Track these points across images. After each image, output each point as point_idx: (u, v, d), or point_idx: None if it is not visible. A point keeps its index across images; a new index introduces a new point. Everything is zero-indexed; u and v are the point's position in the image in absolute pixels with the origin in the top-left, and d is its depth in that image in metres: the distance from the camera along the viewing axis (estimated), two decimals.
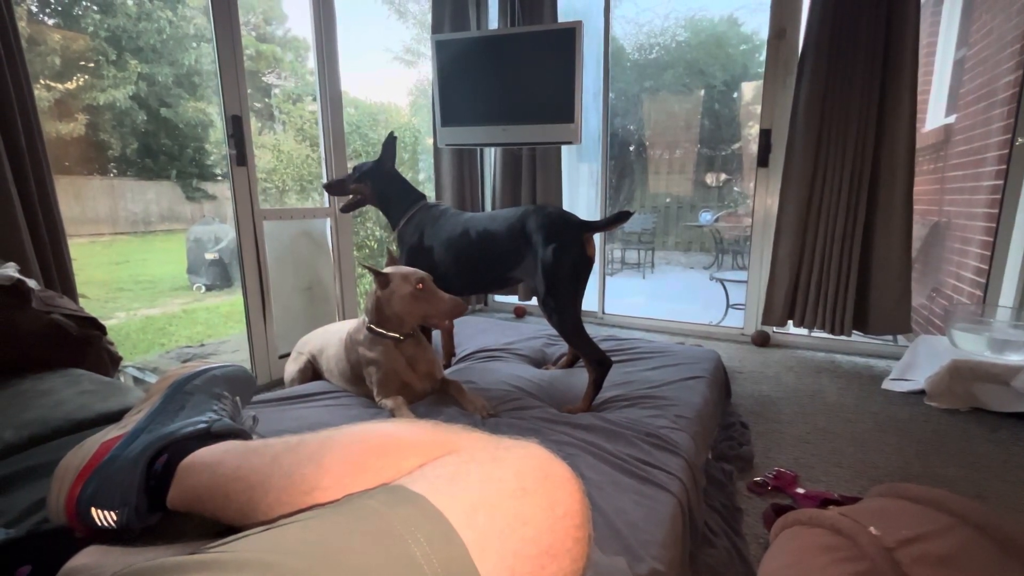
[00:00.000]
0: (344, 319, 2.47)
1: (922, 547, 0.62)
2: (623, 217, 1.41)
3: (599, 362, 1.38)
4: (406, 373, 1.34)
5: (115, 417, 0.80)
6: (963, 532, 0.62)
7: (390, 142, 1.71)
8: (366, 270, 1.37)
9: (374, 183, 1.70)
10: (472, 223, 1.55)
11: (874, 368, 2.26)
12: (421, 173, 4.59)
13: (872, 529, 0.65)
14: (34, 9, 3.81)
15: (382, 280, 1.29)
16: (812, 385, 2.04)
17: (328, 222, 2.39)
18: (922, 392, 1.86)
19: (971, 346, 1.88)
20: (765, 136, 2.48)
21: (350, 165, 2.28)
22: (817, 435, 1.59)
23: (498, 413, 1.28)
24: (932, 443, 1.55)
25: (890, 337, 2.48)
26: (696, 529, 1.00)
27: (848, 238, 2.25)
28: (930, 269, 2.91)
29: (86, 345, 1.18)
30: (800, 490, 1.25)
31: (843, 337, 2.35)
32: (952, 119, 2.76)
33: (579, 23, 2.31)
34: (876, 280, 2.25)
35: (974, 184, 2.38)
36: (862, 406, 1.83)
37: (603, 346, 1.86)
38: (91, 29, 3.98)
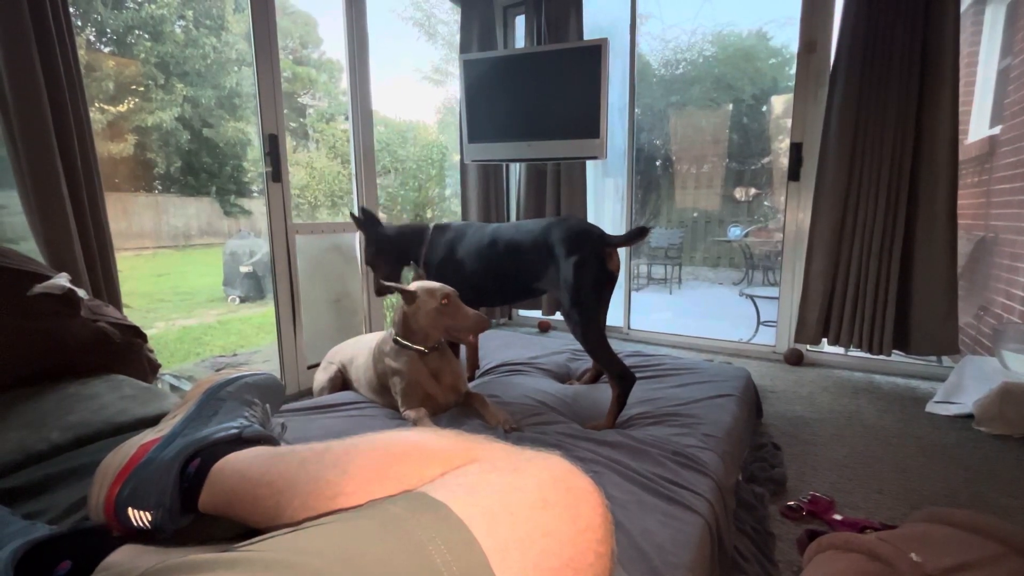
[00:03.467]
0: (371, 331, 2.51)
1: None
2: (643, 233, 1.42)
3: (621, 376, 1.36)
4: (430, 385, 1.35)
5: (153, 421, 0.84)
6: (1012, 562, 0.58)
7: (366, 216, 1.72)
8: (414, 279, 1.40)
9: (386, 245, 1.70)
10: (499, 233, 1.58)
11: (916, 390, 2.15)
12: (448, 189, 4.67)
13: (913, 555, 0.61)
14: (92, 38, 4.09)
15: (408, 296, 1.32)
16: (849, 406, 1.95)
17: (357, 236, 2.45)
18: (970, 416, 1.76)
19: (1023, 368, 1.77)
20: (796, 150, 2.43)
21: (380, 183, 2.33)
22: (855, 459, 1.52)
23: (521, 427, 1.27)
24: (982, 470, 1.46)
25: (933, 358, 2.36)
26: (725, 553, 0.96)
27: (886, 253, 2.17)
28: (976, 286, 2.77)
29: (128, 352, 1.23)
30: (837, 516, 1.19)
31: (882, 357, 2.25)
32: (997, 130, 2.65)
33: (605, 41, 2.33)
34: (918, 297, 2.15)
35: (1023, 198, 2.27)
36: (904, 429, 1.74)
37: (629, 362, 1.83)
38: (142, 55, 4.25)
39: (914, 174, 2.11)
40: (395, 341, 1.36)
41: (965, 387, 1.89)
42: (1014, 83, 2.49)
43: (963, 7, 2.10)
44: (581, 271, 1.37)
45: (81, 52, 1.50)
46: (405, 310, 1.33)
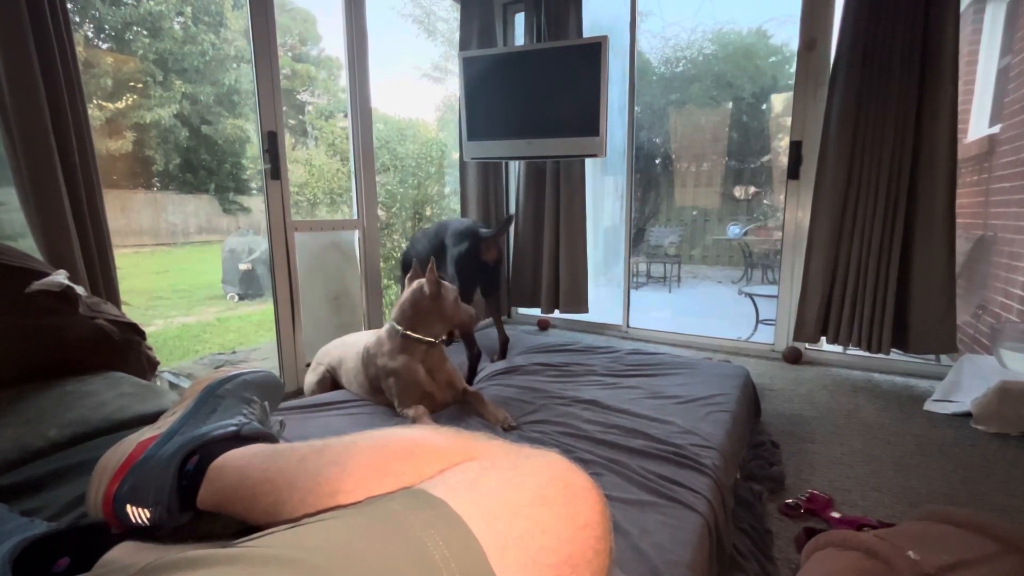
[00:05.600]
0: (370, 328, 2.51)
1: (964, 574, 0.58)
2: (509, 221, 2.08)
3: (474, 353, 1.73)
4: (427, 383, 1.35)
5: (152, 419, 0.84)
6: (1010, 560, 0.58)
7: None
8: (409, 278, 1.48)
9: (463, 261, 1.98)
10: (430, 231, 2.20)
11: (915, 388, 2.15)
12: (447, 187, 4.67)
13: (911, 553, 0.61)
14: (90, 35, 4.07)
15: (436, 288, 1.37)
16: (848, 404, 1.96)
17: (356, 234, 2.45)
18: (968, 415, 1.76)
19: (1022, 367, 1.77)
20: (796, 148, 2.43)
21: (379, 180, 2.36)
22: (854, 457, 1.53)
23: (519, 426, 1.28)
24: (980, 469, 1.46)
25: (932, 356, 2.37)
26: (724, 551, 0.97)
27: (885, 252, 2.17)
28: (975, 285, 2.77)
29: (127, 349, 1.23)
30: (835, 514, 1.20)
31: (880, 355, 2.25)
32: (996, 129, 2.65)
33: (605, 38, 2.32)
34: (917, 296, 2.15)
35: (1022, 196, 2.27)
36: (903, 428, 1.74)
37: (628, 359, 1.84)
38: (140, 52, 4.23)
39: (913, 173, 2.11)
40: (403, 335, 1.36)
41: (963, 386, 1.89)
42: (1013, 82, 2.49)
43: (963, 6, 2.10)
44: (459, 261, 1.83)
45: (79, 48, 1.49)
46: (425, 302, 1.36)
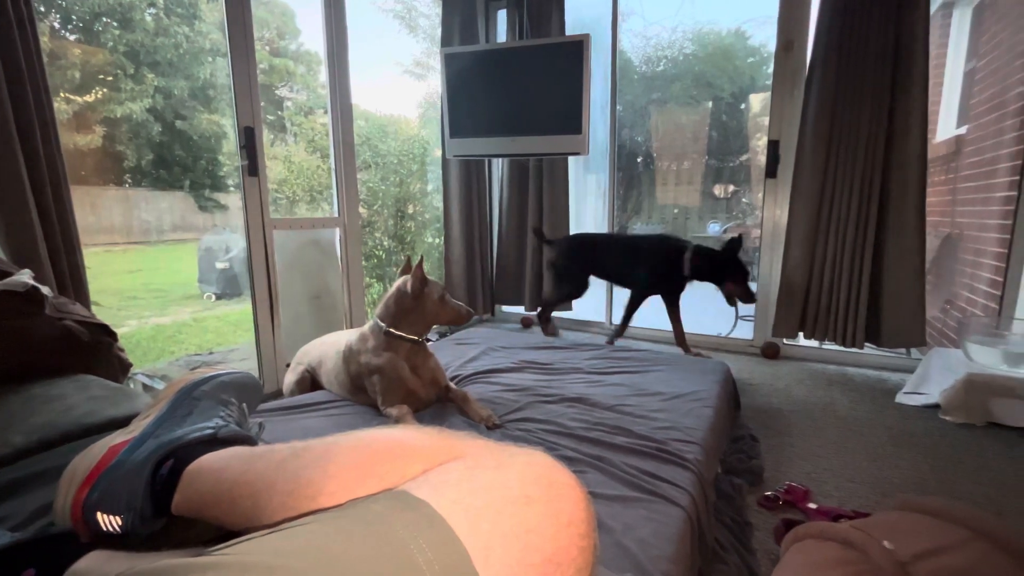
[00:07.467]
0: (352, 328, 2.48)
1: (936, 561, 0.60)
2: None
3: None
4: (411, 380, 1.34)
5: (124, 422, 0.81)
6: (978, 546, 0.60)
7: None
8: (400, 273, 1.45)
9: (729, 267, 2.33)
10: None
11: (887, 381, 2.22)
12: (430, 184, 4.63)
13: (886, 543, 0.63)
14: (56, 25, 3.92)
15: (419, 285, 1.35)
16: (823, 398, 2.01)
17: (337, 232, 2.42)
18: (937, 406, 1.82)
19: (986, 359, 1.84)
20: (773, 147, 2.48)
21: (361, 178, 2.33)
22: (829, 449, 1.57)
23: (504, 424, 1.27)
24: (948, 458, 1.51)
25: (903, 350, 2.45)
26: (706, 545, 0.98)
27: (859, 249, 2.23)
28: (943, 281, 2.87)
29: (97, 351, 1.19)
30: (812, 505, 1.23)
31: (855, 349, 2.32)
32: (963, 130, 2.74)
33: (587, 36, 2.33)
34: (888, 292, 2.22)
35: (986, 195, 2.36)
36: (875, 420, 1.79)
37: (611, 356, 1.85)
38: (110, 44, 4.09)
39: (886, 172, 2.17)
40: (386, 332, 1.34)
41: (932, 378, 1.95)
42: (979, 84, 2.58)
43: (932, 9, 2.16)
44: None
45: (44, 39, 1.43)
46: (407, 300, 1.35)
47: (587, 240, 2.74)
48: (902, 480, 1.39)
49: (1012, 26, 2.24)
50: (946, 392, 1.77)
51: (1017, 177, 2.04)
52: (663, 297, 2.56)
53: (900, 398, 1.98)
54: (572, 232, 2.94)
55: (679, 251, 2.40)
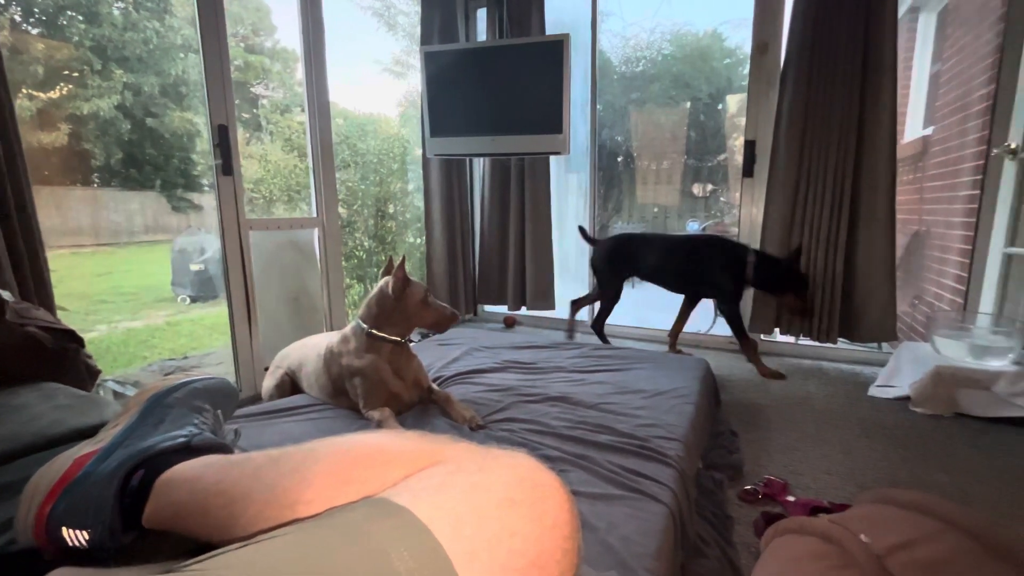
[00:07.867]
0: (332, 330, 2.44)
1: (911, 553, 0.62)
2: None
3: None
4: (393, 382, 1.32)
5: (91, 432, 0.78)
6: (951, 537, 0.63)
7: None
8: (383, 273, 1.44)
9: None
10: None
11: (860, 375, 2.28)
12: (411, 183, 4.59)
13: (862, 536, 0.65)
14: (17, 18, 3.76)
15: (401, 286, 1.33)
16: (800, 392, 2.05)
17: (316, 232, 2.38)
18: (907, 398, 1.88)
19: (953, 352, 1.91)
20: (750, 147, 2.53)
21: (340, 177, 2.29)
22: (806, 442, 1.60)
23: (487, 425, 1.27)
24: (918, 449, 1.56)
25: (875, 344, 2.52)
26: (688, 539, 0.99)
27: (832, 247, 2.29)
28: (912, 277, 2.96)
29: (63, 358, 1.14)
30: (790, 498, 1.25)
31: (829, 344, 2.38)
32: (929, 131, 2.84)
33: (567, 36, 2.34)
34: (861, 288, 2.28)
35: (951, 194, 2.44)
36: (849, 413, 1.84)
37: (592, 355, 1.86)
38: (76, 38, 3.94)
39: (857, 171, 2.23)
40: (368, 334, 1.32)
41: (902, 371, 2.02)
42: (943, 87, 2.67)
43: (900, 13, 2.23)
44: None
45: (4, 32, 1.37)
46: (389, 301, 1.33)
47: (632, 240, 2.56)
48: (875, 471, 1.43)
49: (973, 31, 2.32)
50: (915, 385, 1.83)
51: (980, 176, 2.12)
52: (715, 301, 2.43)
53: (872, 391, 2.04)
54: (619, 232, 2.83)
55: (741, 255, 2.26)
